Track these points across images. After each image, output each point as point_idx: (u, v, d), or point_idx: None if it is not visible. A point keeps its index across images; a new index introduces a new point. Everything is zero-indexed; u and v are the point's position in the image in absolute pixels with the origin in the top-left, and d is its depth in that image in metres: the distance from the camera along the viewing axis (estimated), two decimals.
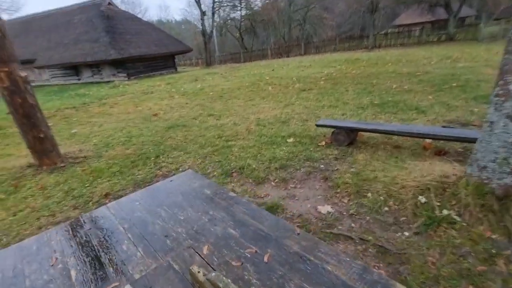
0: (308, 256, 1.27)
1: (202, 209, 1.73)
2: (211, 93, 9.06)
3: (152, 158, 4.33)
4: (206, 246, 1.41)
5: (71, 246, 1.53)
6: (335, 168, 3.34)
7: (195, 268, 1.18)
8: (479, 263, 1.83)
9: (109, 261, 1.39)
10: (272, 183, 3.23)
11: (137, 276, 1.27)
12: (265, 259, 1.28)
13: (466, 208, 2.08)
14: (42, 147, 4.30)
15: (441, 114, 4.81)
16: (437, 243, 2.03)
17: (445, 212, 2.15)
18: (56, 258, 1.45)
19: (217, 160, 3.95)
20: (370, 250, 2.14)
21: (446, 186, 2.32)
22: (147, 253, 1.41)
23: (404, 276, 1.87)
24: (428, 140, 3.62)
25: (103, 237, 1.58)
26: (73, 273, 1.34)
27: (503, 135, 1.92)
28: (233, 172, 3.55)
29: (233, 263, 1.28)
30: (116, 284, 1.24)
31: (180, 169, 3.86)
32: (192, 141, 4.90)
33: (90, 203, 3.26)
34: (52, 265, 1.42)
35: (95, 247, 1.50)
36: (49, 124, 7.05)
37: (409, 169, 2.89)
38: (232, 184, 3.26)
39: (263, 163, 3.67)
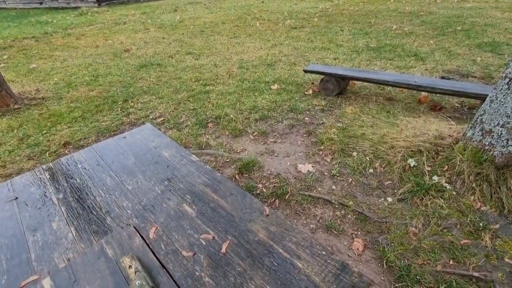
0: (276, 247, 1.03)
1: (155, 178, 1.43)
2: (192, 27, 8.02)
3: (120, 103, 3.85)
4: (153, 228, 1.14)
5: None
6: (321, 122, 3.04)
7: (126, 261, 0.93)
8: (464, 236, 1.71)
9: (32, 243, 1.12)
10: (251, 136, 2.93)
11: (62, 266, 1.02)
12: (223, 249, 1.04)
13: (459, 176, 1.89)
14: None
15: (441, 63, 4.39)
16: (422, 212, 1.88)
17: (435, 178, 1.96)
18: None
19: (192, 107, 3.54)
20: (349, 216, 1.98)
21: (440, 149, 2.09)
22: (81, 234, 1.14)
23: (382, 246, 1.75)
24: (424, 93, 3.30)
25: (30, 211, 1.28)
26: None
27: None
28: (208, 123, 3.20)
29: (184, 253, 1.04)
30: (35, 277, 0.98)
31: (150, 116, 3.46)
32: (166, 84, 4.37)
33: (47, 153, 2.90)
34: None
35: (18, 224, 1.21)
36: (4, 57, 6.14)
37: (400, 126, 2.63)
38: (207, 136, 2.94)
39: (242, 113, 3.30)
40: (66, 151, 2.95)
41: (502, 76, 1.74)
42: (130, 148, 1.68)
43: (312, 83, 3.94)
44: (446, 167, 1.97)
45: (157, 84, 4.39)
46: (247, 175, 2.41)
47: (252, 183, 2.30)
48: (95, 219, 1.22)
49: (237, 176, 2.38)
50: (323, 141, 2.69)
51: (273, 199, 2.15)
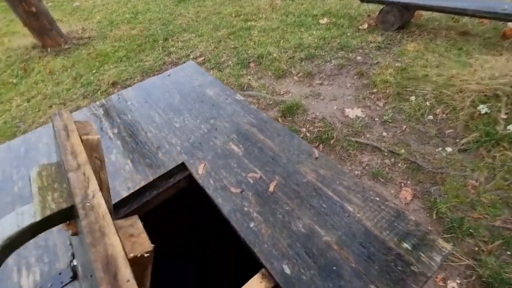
0: (325, 190, 1.00)
1: (201, 116, 1.42)
2: None
3: (160, 41, 3.79)
4: (202, 165, 1.17)
5: (55, 152, 1.37)
6: (375, 61, 2.70)
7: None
8: None
9: None
10: (295, 77, 2.74)
11: (125, 194, 1.11)
12: (271, 188, 1.04)
13: None
14: (39, 24, 3.84)
15: None
16: (487, 164, 1.68)
17: (510, 128, 1.69)
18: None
19: (233, 46, 3.36)
20: (399, 165, 1.86)
21: None
22: (137, 167, 1.22)
23: (433, 197, 1.65)
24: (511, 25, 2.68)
25: None
26: None
27: None
28: (250, 62, 3.04)
29: (232, 189, 1.06)
30: None
31: (191, 56, 3.38)
32: (205, 20, 4.14)
33: (98, 92, 3.08)
34: None
35: None
36: None
37: (474, 66, 2.22)
38: (249, 77, 2.82)
39: (286, 52, 3.06)
40: (115, 91, 3.09)
41: None
42: (175, 87, 1.66)
43: (368, 16, 3.42)
44: None
45: (196, 21, 4.19)
46: (290, 118, 2.32)
47: (296, 127, 2.22)
48: (148, 153, 1.27)
49: (280, 120, 2.32)
50: (376, 83, 2.42)
51: (317, 144, 2.08)
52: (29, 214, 0.43)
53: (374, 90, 2.39)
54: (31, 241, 0.94)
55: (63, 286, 0.89)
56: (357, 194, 0.98)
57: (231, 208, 1.00)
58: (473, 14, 2.52)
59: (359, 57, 2.80)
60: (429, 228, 1.54)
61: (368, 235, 0.87)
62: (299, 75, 2.75)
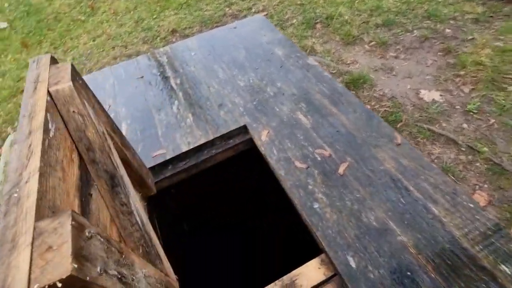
0: (406, 184, 0.87)
1: (267, 78, 1.30)
2: None
3: None
4: (265, 131, 1.09)
5: (122, 94, 1.38)
6: (469, 37, 2.26)
7: None
8: None
9: (158, 121, 1.22)
10: (366, 46, 2.43)
11: (185, 149, 1.09)
12: (341, 169, 0.93)
13: None
14: None
15: None
16: None
17: None
18: (109, 105, 1.34)
19: (299, 2, 3.05)
20: (477, 164, 1.61)
21: None
22: (197, 122, 1.18)
23: None
24: None
25: (154, 91, 1.36)
26: (124, 126, 1.23)
27: None
28: (317, 23, 2.74)
29: (297, 163, 0.97)
30: (163, 151, 1.09)
31: (253, 10, 3.16)
32: None
33: (158, 38, 3.06)
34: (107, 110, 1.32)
35: (146, 102, 1.32)
36: None
37: None
38: (313, 40, 2.57)
39: (360, 15, 2.69)
40: (174, 39, 3.05)
41: None
42: (240, 41, 1.54)
43: None
44: None
45: None
46: (354, 92, 2.10)
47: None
48: (209, 110, 1.22)
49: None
50: (465, 64, 2.05)
51: None
52: None
53: (461, 73, 2.02)
54: None
55: None
56: (445, 196, 0.83)
57: (294, 184, 0.93)
58: None
59: (448, 30, 2.36)
60: None
61: (454, 246, 0.74)
62: (371, 44, 2.42)
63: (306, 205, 0.87)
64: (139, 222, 0.68)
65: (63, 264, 0.28)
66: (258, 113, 1.16)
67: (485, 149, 1.65)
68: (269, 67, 1.35)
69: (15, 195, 0.34)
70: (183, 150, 1.09)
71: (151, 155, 1.09)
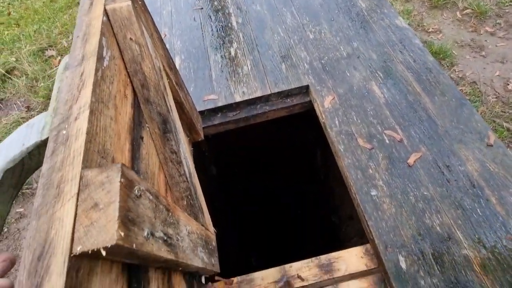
0: (488, 193, 0.73)
1: (343, 34, 1.11)
2: None
3: None
4: (330, 97, 0.96)
5: (179, 26, 1.27)
6: None
7: None
8: None
9: (213, 63, 1.12)
10: (458, 13, 2.02)
11: (238, 99, 1.01)
12: (411, 159, 0.81)
13: None
14: None
15: None
16: None
17: None
18: (165, 35, 1.25)
19: None
20: None
21: None
22: (255, 72, 1.07)
23: None
24: None
25: (213, 27, 1.24)
26: (177, 60, 1.15)
27: None
28: None
29: (361, 142, 0.86)
30: (215, 97, 1.02)
31: None
32: None
33: None
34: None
35: (203, 38, 1.21)
36: None
37: None
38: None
39: None
40: None
41: None
42: None
43: None
44: None
45: None
46: None
47: None
48: (271, 60, 1.09)
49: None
50: None
51: None
52: (37, 129, 0.34)
53: None
54: None
55: None
56: None
57: (353, 163, 0.83)
58: None
59: None
60: None
61: None
62: (465, 12, 2.01)
63: (362, 190, 0.79)
64: (187, 173, 0.64)
65: (108, 230, 0.24)
66: (325, 74, 1.02)
67: None
68: (347, 20, 1.15)
69: (64, 132, 0.30)
70: (236, 100, 1.01)
71: (202, 98, 1.02)
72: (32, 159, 0.33)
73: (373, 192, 0.78)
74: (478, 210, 0.73)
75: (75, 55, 0.38)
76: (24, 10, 2.66)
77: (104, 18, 0.44)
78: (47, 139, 0.30)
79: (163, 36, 1.24)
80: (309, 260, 0.74)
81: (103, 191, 0.26)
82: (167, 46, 1.20)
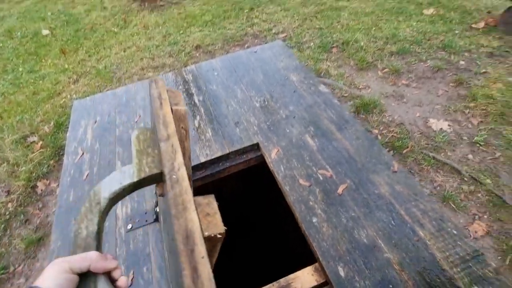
0: (398, 208, 0.96)
1: (282, 100, 1.44)
2: None
3: (246, 11, 3.81)
4: (275, 150, 1.22)
5: (149, 106, 1.55)
6: (482, 71, 2.33)
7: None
8: None
9: None
10: (379, 72, 2.54)
11: (203, 159, 1.23)
12: (340, 190, 1.04)
13: None
14: None
15: None
16: None
17: None
18: (140, 115, 1.51)
19: (318, 26, 3.21)
20: (479, 195, 1.67)
21: None
22: (215, 137, 1.32)
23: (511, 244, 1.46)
24: None
25: None
26: None
27: None
28: (333, 47, 2.89)
29: (301, 181, 1.09)
30: None
31: (273, 31, 3.35)
32: None
33: (183, 53, 3.29)
34: (136, 122, 1.50)
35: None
36: None
37: None
38: (328, 63, 2.71)
39: (376, 42, 2.82)
40: (197, 54, 3.28)
41: None
42: (260, 65, 1.70)
43: (488, 12, 2.89)
44: None
45: None
46: (364, 116, 2.21)
47: (368, 126, 2.11)
48: (227, 126, 1.37)
49: (352, 115, 2.21)
50: (476, 97, 2.12)
51: (388, 150, 1.96)
52: (129, 174, 0.51)
53: (471, 105, 2.09)
54: None
55: (146, 224, 1.07)
56: (432, 221, 0.92)
57: (297, 199, 1.05)
58: None
59: (462, 62, 2.44)
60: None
61: (435, 266, 0.83)
62: (384, 71, 2.53)
63: (306, 219, 0.99)
64: None
65: (219, 225, 0.48)
66: (270, 133, 1.30)
67: (488, 181, 1.70)
68: (283, 91, 1.50)
69: (174, 176, 0.46)
70: (201, 161, 1.23)
71: None
72: (123, 194, 0.50)
73: (314, 220, 0.98)
74: (392, 221, 0.94)
75: (162, 134, 0.54)
76: (7, 104, 2.91)
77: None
78: (137, 181, 0.49)
79: (138, 117, 1.50)
80: (270, 284, 0.89)
81: (209, 207, 0.51)
82: (142, 124, 1.46)
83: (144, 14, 4.24)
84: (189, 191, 0.47)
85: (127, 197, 1.11)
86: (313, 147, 1.20)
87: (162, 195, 0.63)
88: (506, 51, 2.43)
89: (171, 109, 0.70)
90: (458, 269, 0.82)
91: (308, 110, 1.36)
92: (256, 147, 1.27)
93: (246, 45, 3.20)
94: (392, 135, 2.04)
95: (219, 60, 1.81)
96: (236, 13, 3.81)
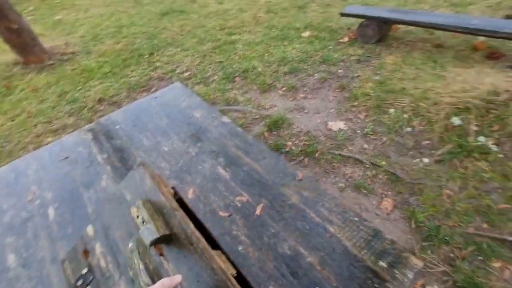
0: (309, 212, 1.07)
1: (189, 139, 1.47)
2: None
3: (146, 56, 3.82)
4: (191, 189, 1.22)
5: (47, 178, 1.38)
6: (356, 75, 2.82)
7: (134, 211, 1.00)
8: (504, 201, 1.64)
9: (88, 199, 1.25)
10: (280, 91, 2.83)
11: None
12: (257, 211, 1.10)
13: (509, 137, 1.73)
14: (21, 41, 3.79)
15: None
16: (460, 175, 1.80)
17: (481, 139, 1.82)
18: (34, 192, 1.32)
19: (218, 60, 3.43)
20: (380, 176, 1.96)
21: (492, 107, 1.90)
22: None
23: (412, 207, 1.75)
24: (481, 38, 2.86)
25: (81, 169, 1.40)
26: (50, 211, 1.23)
27: None
28: (236, 77, 3.11)
29: (221, 213, 1.11)
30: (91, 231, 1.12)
31: (177, 71, 3.42)
32: (190, 34, 4.20)
33: (85, 109, 3.06)
34: (30, 200, 1.31)
35: (74, 181, 1.34)
36: (30, 9, 6.14)
37: (448, 79, 2.37)
38: (235, 92, 2.89)
39: (270, 66, 3.15)
40: (101, 108, 3.09)
41: None
42: (162, 109, 1.71)
43: (348, 29, 3.56)
44: (497, 127, 1.80)
45: (181, 35, 4.24)
46: (276, 132, 2.40)
47: (281, 141, 2.30)
48: None
49: (266, 134, 2.38)
50: (357, 96, 2.54)
51: (303, 157, 2.15)
52: (152, 231, 0.70)
53: (355, 103, 2.50)
54: (25, 272, 0.97)
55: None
56: (337, 215, 1.05)
57: (220, 232, 1.05)
58: (447, 28, 2.69)
59: (340, 70, 2.92)
60: (409, 236, 1.63)
61: (347, 255, 0.94)
62: (283, 89, 2.83)
63: (233, 249, 1.00)
64: None
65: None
66: (183, 174, 1.29)
67: (383, 162, 2.02)
68: (190, 129, 1.53)
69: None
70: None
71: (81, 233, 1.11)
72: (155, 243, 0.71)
73: (240, 248, 1.00)
74: (306, 226, 1.03)
75: (170, 205, 0.85)
76: None
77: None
78: (158, 237, 0.70)
79: (32, 195, 1.32)
80: None
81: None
82: (38, 201, 1.28)
83: (31, 77, 3.82)
84: (209, 249, 0.70)
85: None
86: (226, 176, 1.25)
87: (161, 254, 0.76)
88: (368, 56, 3.02)
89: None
90: (365, 251, 0.94)
91: (215, 143, 1.42)
92: (172, 190, 1.24)
93: (152, 89, 3.18)
94: (303, 143, 2.26)
95: (119, 113, 1.75)
96: (136, 59, 3.78)
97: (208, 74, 3.22)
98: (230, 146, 1.39)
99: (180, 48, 3.85)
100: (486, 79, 2.14)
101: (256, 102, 2.74)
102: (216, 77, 3.15)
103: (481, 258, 1.49)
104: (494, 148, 1.76)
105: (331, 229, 1.01)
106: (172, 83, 1.94)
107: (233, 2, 4.99)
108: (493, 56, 2.68)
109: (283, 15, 4.23)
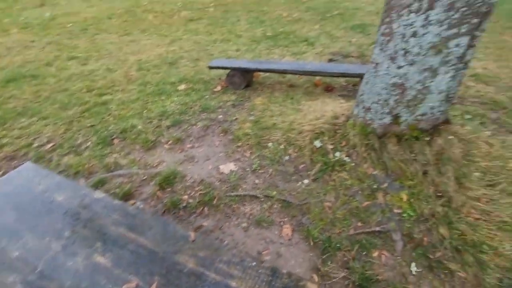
0: (208, 273, 1.01)
1: (51, 232, 1.19)
2: (69, 25, 6.81)
3: None
4: None
5: None
6: (234, 118, 3.08)
7: None
8: (365, 199, 2.04)
9: None
10: (165, 146, 2.75)
11: None
12: None
13: (354, 149, 2.21)
14: None
15: (327, 46, 4.98)
16: (332, 187, 2.15)
17: (337, 154, 2.25)
18: None
19: (89, 124, 3.07)
20: (275, 206, 2.11)
21: (336, 128, 2.40)
22: None
23: (306, 226, 1.94)
24: (317, 77, 3.69)
25: None
26: None
27: (385, 77, 1.96)
28: (114, 139, 2.84)
29: None
30: None
31: (35, 144, 2.85)
32: (49, 100, 3.65)
33: None
34: None
35: None
36: None
37: (304, 111, 2.89)
38: (115, 155, 2.62)
39: (151, 122, 3.06)
40: None
41: (370, 61, 2.08)
42: (8, 200, 1.35)
43: (219, 79, 3.92)
44: (344, 143, 2.29)
45: (36, 102, 3.63)
46: (169, 189, 2.27)
47: (177, 196, 2.18)
48: None
49: (159, 193, 2.22)
50: (239, 137, 2.74)
51: (202, 208, 2.10)
52: None
53: (239, 144, 2.69)
54: None
55: None
56: (237, 266, 1.04)
57: None
58: (292, 72, 3.35)
59: (220, 116, 3.12)
60: (311, 254, 1.78)
61: None
62: (169, 143, 2.77)
63: None
64: None
65: None
66: (44, 282, 1.02)
67: (274, 192, 2.19)
68: (51, 218, 1.25)
69: None
70: None
71: None
72: None
73: None
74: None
75: None
76: None
77: None
78: None
79: None
80: None
81: None
82: None
83: None
84: None
85: None
86: (106, 264, 1.06)
87: None
88: (241, 100, 3.38)
89: None
90: None
91: (88, 226, 1.20)
92: None
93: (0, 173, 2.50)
94: (199, 193, 2.22)
95: None
96: None
97: (78, 142, 2.82)
98: (108, 225, 1.20)
99: (37, 117, 3.27)
100: (327, 107, 2.74)
101: (142, 162, 2.56)
102: (89, 143, 2.79)
103: (365, 252, 1.77)
104: (347, 159, 2.21)
105: (233, 284, 0.99)
106: (18, 167, 1.57)
107: (98, 63, 4.71)
108: (328, 89, 3.49)
109: (155, 71, 4.28)
